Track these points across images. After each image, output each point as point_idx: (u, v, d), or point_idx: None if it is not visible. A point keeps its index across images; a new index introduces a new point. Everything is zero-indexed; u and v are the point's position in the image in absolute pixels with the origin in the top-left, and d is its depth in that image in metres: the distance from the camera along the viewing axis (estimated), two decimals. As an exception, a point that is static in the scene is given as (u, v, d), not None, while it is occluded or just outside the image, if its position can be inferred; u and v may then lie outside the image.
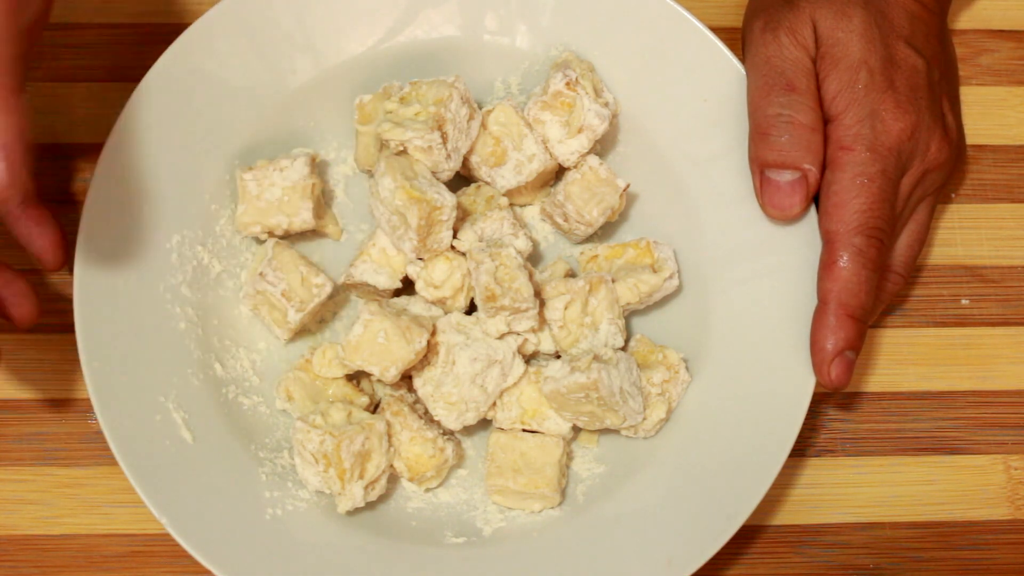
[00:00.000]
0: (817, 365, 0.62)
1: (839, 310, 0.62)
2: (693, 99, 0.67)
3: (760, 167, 0.64)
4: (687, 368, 0.65)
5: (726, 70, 0.66)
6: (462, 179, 0.68)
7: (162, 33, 0.68)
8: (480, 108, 0.66)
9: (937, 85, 0.65)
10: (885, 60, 0.63)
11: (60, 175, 0.71)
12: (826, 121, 0.64)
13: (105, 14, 0.73)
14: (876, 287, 0.63)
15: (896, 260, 0.67)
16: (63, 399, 0.68)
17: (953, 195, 0.75)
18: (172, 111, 0.65)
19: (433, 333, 0.63)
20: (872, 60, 0.63)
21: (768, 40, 0.64)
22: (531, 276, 0.63)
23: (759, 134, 0.64)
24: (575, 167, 0.67)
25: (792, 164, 0.63)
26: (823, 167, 0.63)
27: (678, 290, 0.67)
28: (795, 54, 0.63)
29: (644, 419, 0.64)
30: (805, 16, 0.64)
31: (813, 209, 0.65)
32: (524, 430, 0.65)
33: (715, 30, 0.67)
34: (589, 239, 0.70)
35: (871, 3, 0.64)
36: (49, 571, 0.66)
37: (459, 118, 0.64)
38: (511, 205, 0.67)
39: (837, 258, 0.62)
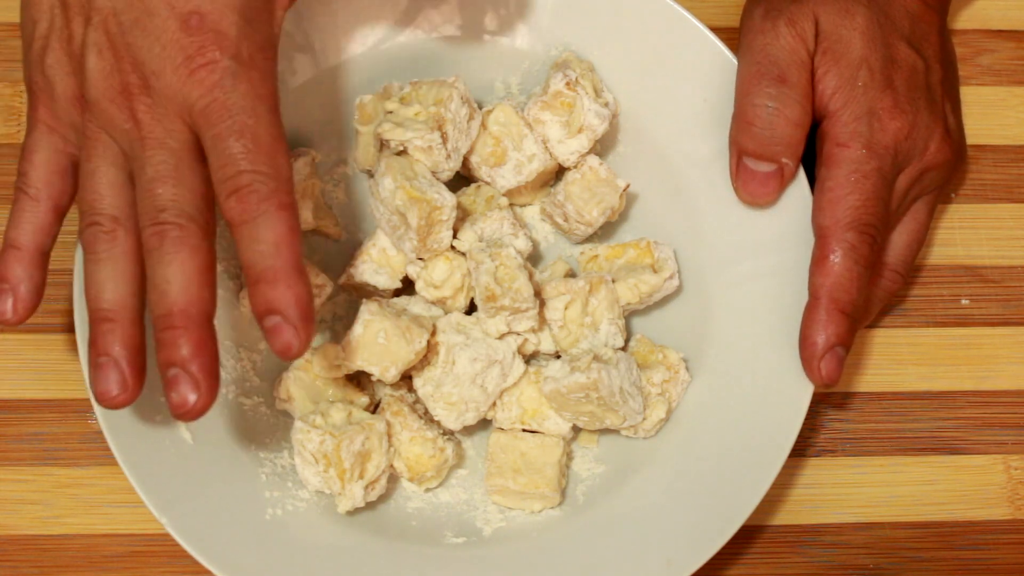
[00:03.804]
0: (806, 361, 0.62)
1: (830, 305, 0.61)
2: (693, 99, 0.67)
3: (738, 152, 0.64)
4: (687, 368, 0.66)
5: (726, 70, 0.66)
6: (462, 179, 0.68)
7: (162, 33, 0.68)
8: (480, 108, 0.66)
9: (938, 85, 0.65)
10: (885, 59, 0.63)
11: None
12: (822, 117, 0.64)
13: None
14: (868, 284, 0.63)
15: (895, 259, 0.67)
16: (63, 399, 0.68)
17: (953, 195, 0.75)
18: (172, 111, 0.65)
19: (433, 333, 0.63)
20: (873, 59, 0.63)
21: (767, 28, 0.64)
22: (531, 276, 0.63)
23: (743, 121, 0.64)
24: (575, 167, 0.67)
25: (771, 157, 0.63)
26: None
27: (678, 290, 0.67)
28: (792, 44, 0.63)
29: (644, 419, 0.64)
30: (807, 10, 0.64)
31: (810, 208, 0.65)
32: (524, 430, 0.65)
33: (715, 30, 0.67)
34: (589, 239, 0.70)
35: (874, 2, 0.64)
36: (49, 571, 0.66)
37: (459, 118, 0.64)
38: (511, 205, 0.67)
39: (829, 253, 0.62)
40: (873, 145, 0.62)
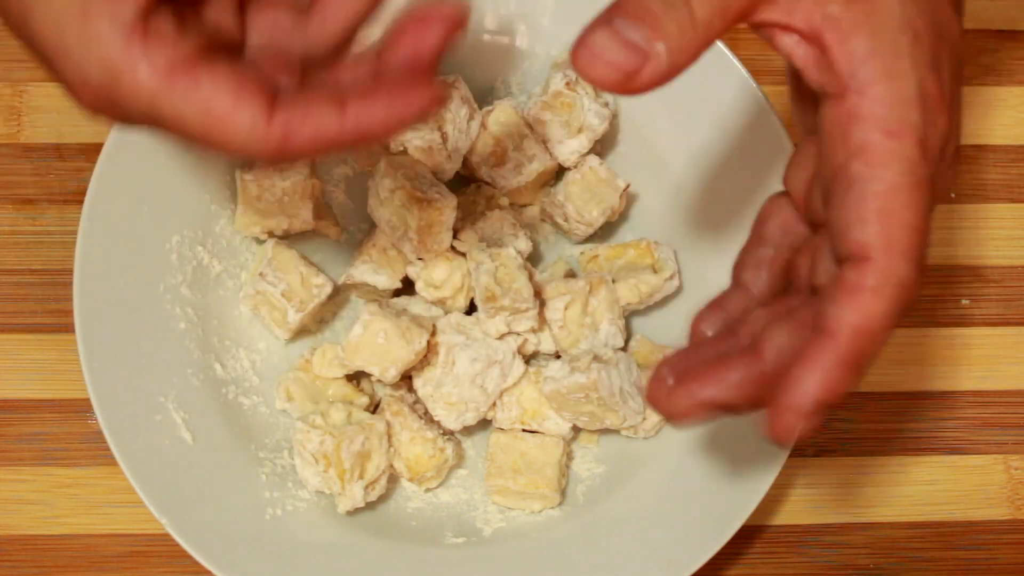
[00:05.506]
0: (780, 407, 0.43)
1: (848, 353, 0.43)
2: (693, 99, 0.67)
3: (612, 12, 0.44)
4: (687, 368, 0.65)
5: (727, 70, 0.66)
6: (462, 179, 0.68)
7: (162, 33, 0.68)
8: (480, 108, 0.66)
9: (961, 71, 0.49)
10: (933, 29, 0.45)
11: (65, 174, 0.71)
12: (844, 88, 0.44)
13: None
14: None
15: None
16: (63, 399, 0.68)
17: (953, 195, 0.75)
18: (172, 111, 0.65)
19: (433, 333, 0.63)
20: (919, 23, 0.45)
21: None
22: (531, 276, 0.63)
23: None
24: (575, 167, 0.67)
25: (648, 26, 0.44)
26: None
27: (678, 290, 0.67)
28: None
29: (644, 419, 0.64)
30: None
31: None
32: (524, 430, 0.65)
33: (715, 30, 0.67)
34: (589, 239, 0.70)
35: None
36: (49, 571, 0.66)
37: (459, 118, 0.64)
38: (511, 205, 0.67)
39: (870, 283, 0.43)
40: (926, 143, 0.44)
